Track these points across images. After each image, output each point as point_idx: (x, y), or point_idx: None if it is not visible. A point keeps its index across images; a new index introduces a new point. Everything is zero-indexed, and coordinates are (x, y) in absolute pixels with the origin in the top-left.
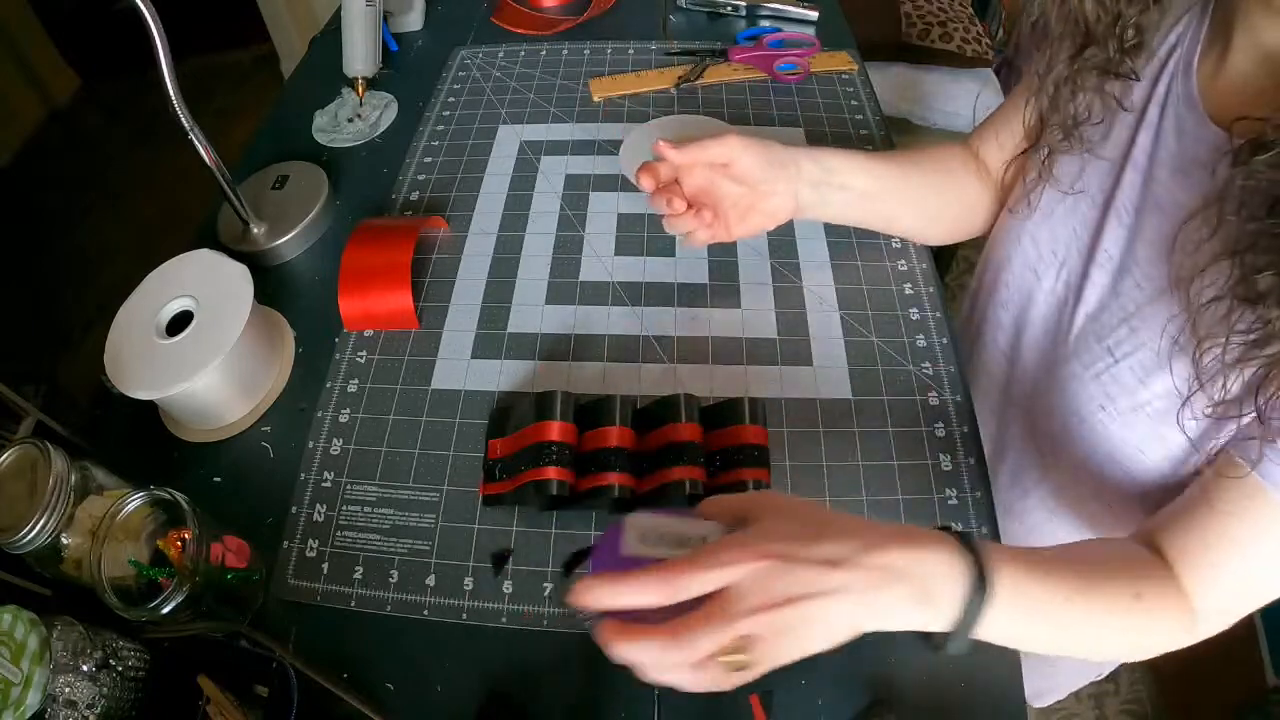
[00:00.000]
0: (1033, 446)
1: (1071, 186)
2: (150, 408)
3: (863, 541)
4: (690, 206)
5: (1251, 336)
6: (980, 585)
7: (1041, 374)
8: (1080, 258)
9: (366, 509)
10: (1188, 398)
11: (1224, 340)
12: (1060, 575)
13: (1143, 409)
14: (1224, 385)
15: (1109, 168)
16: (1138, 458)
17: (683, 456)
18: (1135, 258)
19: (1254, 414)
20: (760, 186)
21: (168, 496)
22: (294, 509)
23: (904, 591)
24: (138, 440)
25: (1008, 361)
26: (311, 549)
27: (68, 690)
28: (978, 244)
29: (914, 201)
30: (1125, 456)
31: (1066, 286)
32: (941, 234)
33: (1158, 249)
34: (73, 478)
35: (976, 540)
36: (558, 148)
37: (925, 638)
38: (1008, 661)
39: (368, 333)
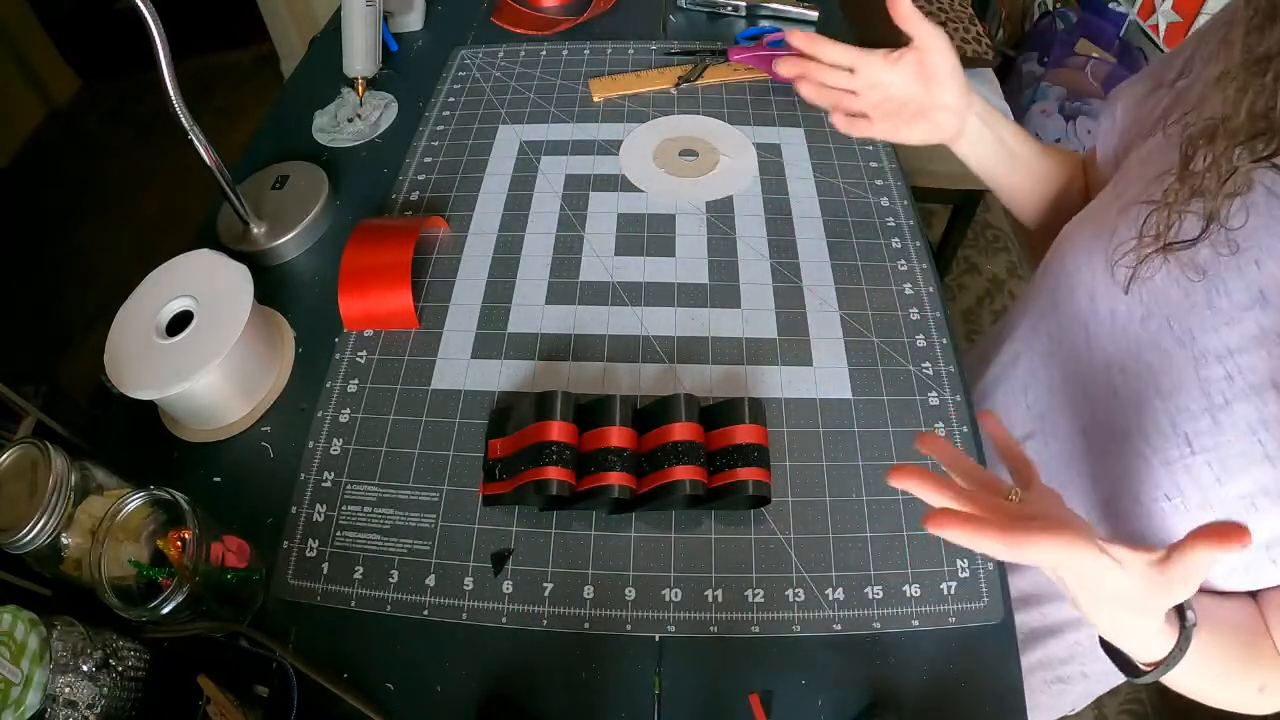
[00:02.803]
0: None
1: (1194, 266)
2: (150, 408)
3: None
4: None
5: None
6: (1179, 655)
7: (1085, 443)
8: (1152, 331)
9: (366, 509)
10: None
11: None
12: (1218, 660)
13: (1213, 507)
14: None
15: (1198, 245)
16: None
17: (683, 456)
18: (1228, 347)
19: None
20: (940, 91)
21: (168, 496)
22: (294, 509)
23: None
24: (138, 440)
25: (1035, 418)
26: (311, 549)
27: (68, 690)
28: (978, 244)
29: (1039, 181)
30: None
31: (1133, 357)
32: (1036, 219)
33: (1255, 343)
34: (73, 478)
35: (1190, 619)
36: (558, 148)
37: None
38: (1007, 663)
39: (368, 333)
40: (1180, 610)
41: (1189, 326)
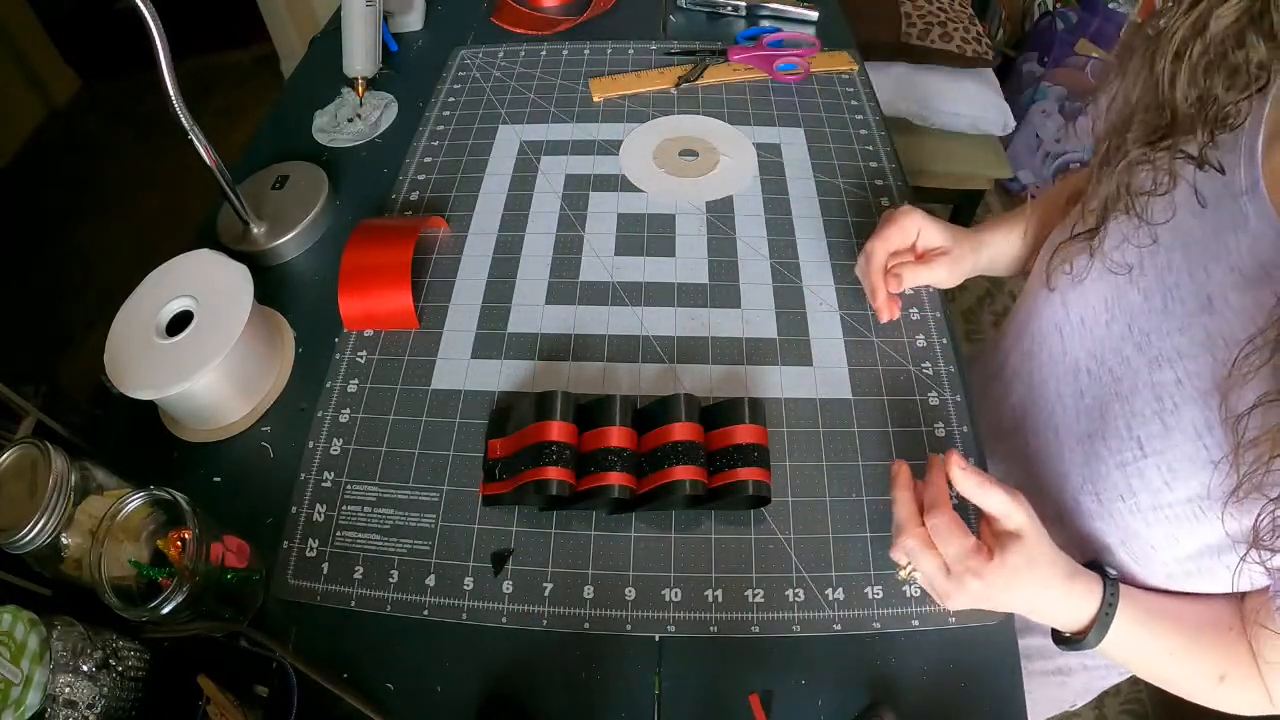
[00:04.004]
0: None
1: (1120, 263)
2: (150, 408)
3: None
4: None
5: None
6: (1103, 630)
7: (1057, 441)
8: (1115, 335)
9: (366, 509)
10: (1246, 553)
11: (1274, 497)
12: (1165, 633)
13: (1163, 509)
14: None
15: (1159, 249)
16: (1148, 552)
17: (683, 456)
18: (1179, 351)
19: None
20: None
21: (168, 496)
22: (294, 509)
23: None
24: (138, 440)
25: (1018, 415)
26: (311, 549)
27: (68, 690)
28: None
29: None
30: (1136, 547)
31: (1097, 360)
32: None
33: (1203, 348)
34: (73, 478)
35: (1118, 587)
36: (558, 148)
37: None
38: (1007, 663)
39: (368, 333)
40: (1099, 567)
41: (1147, 331)
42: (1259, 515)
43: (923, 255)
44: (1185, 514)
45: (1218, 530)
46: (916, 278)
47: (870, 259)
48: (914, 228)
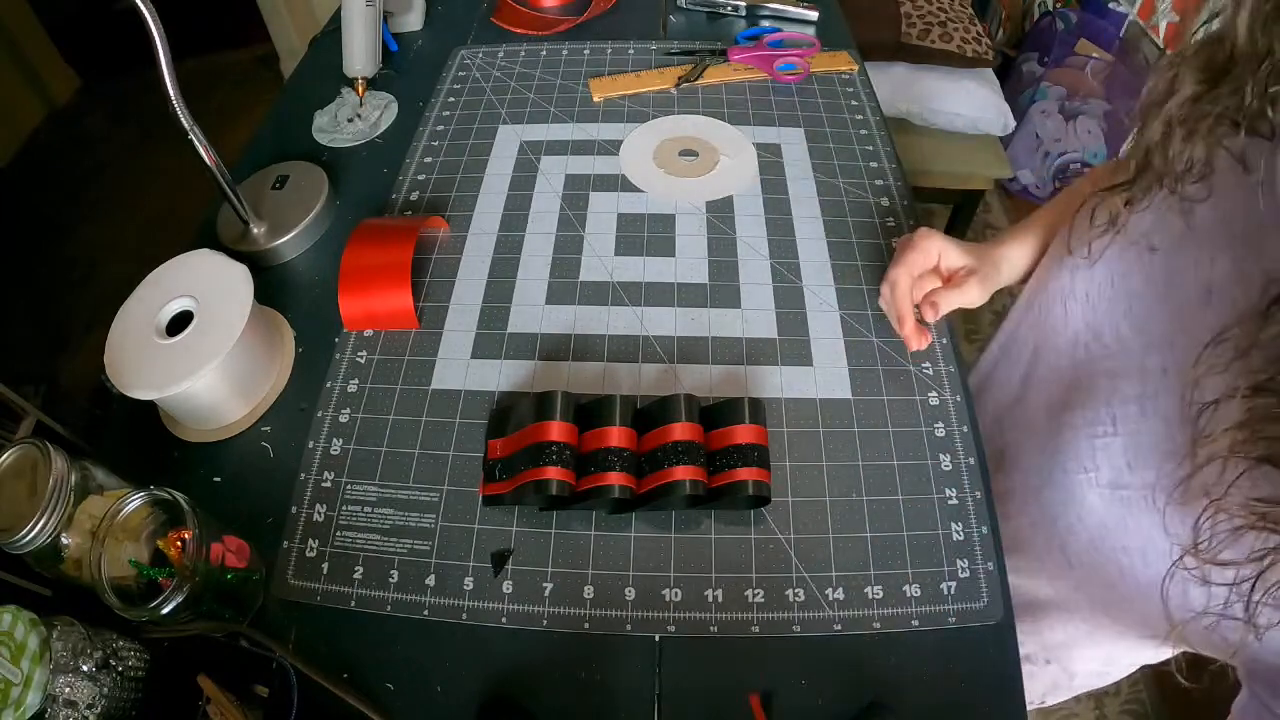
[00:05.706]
0: (1019, 483)
1: (1142, 238)
2: (150, 408)
3: None
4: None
5: (1257, 508)
6: None
7: (1046, 410)
8: (1117, 313)
9: (366, 509)
10: (1180, 557)
11: (1220, 499)
12: None
13: (1121, 490)
14: (1213, 545)
15: (1174, 237)
16: (1103, 533)
17: (683, 456)
18: (1170, 340)
19: (1239, 600)
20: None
21: (168, 496)
22: (294, 509)
23: None
24: (138, 440)
25: (1022, 382)
26: (311, 549)
27: (68, 690)
28: None
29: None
30: (1092, 524)
31: (1094, 335)
32: None
33: (1196, 340)
34: (73, 478)
35: None
36: (558, 148)
37: None
38: (1007, 663)
39: (368, 333)
40: None
41: (1145, 315)
42: (1199, 516)
43: (950, 277)
44: (1138, 500)
45: (1174, 526)
46: (950, 301)
47: (895, 287)
48: (935, 250)
